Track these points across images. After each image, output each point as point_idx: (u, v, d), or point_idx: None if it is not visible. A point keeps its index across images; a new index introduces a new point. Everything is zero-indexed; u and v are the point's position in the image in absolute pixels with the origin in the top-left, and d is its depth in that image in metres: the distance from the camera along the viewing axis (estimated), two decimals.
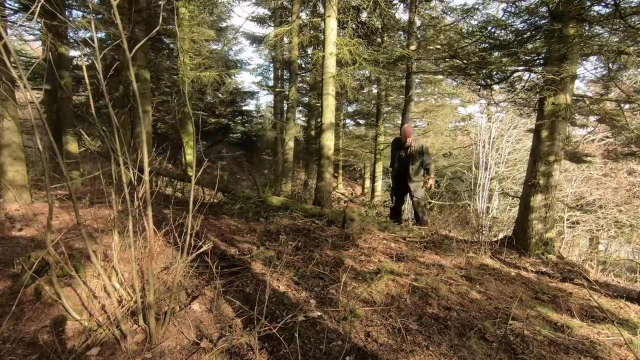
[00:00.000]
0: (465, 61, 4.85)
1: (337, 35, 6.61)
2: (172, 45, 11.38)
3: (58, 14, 2.40)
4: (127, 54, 1.59)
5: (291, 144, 10.74)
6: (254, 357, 1.68)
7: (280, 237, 3.60)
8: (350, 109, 17.76)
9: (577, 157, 6.51)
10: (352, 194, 12.38)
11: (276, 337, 1.77)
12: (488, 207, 11.31)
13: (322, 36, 6.97)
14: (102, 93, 1.62)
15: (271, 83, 18.02)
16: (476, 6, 4.50)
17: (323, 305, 2.22)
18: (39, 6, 1.56)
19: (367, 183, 16.81)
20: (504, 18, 4.52)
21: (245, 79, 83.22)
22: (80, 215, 1.72)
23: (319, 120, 12.53)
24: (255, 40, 15.71)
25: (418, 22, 9.16)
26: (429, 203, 6.98)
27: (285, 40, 11.55)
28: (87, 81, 1.91)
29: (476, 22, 4.84)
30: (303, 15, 10.60)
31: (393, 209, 5.38)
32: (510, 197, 11.51)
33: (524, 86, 4.83)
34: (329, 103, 6.38)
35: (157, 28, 2.10)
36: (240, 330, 1.91)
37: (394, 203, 5.37)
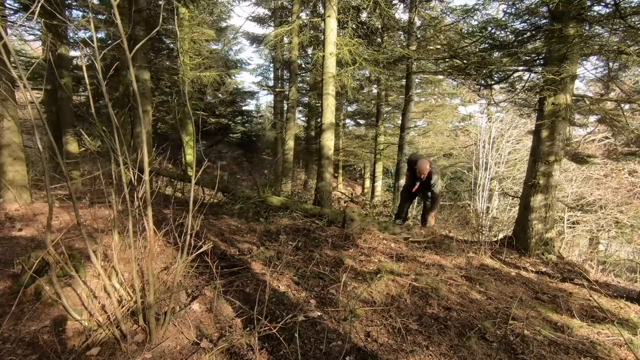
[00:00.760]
0: (465, 61, 4.84)
1: (337, 36, 6.61)
2: (172, 45, 11.38)
3: (58, 14, 2.40)
4: (127, 54, 1.59)
5: (291, 144, 10.74)
6: (254, 357, 1.68)
7: (280, 237, 3.60)
8: (350, 109, 17.76)
9: (577, 157, 6.51)
10: (352, 194, 12.37)
11: (276, 337, 1.77)
12: (488, 207, 11.31)
13: (322, 36, 6.98)
14: (102, 93, 1.62)
15: (271, 83, 18.04)
16: (476, 6, 4.50)
17: (323, 305, 2.22)
18: (39, 6, 1.56)
19: (367, 183, 16.81)
20: (504, 18, 4.52)
21: (245, 79, 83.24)
22: (80, 215, 1.72)
23: (319, 120, 12.54)
24: (255, 40, 15.71)
25: (418, 22, 9.16)
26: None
27: (285, 40, 11.55)
28: (87, 81, 1.91)
29: (476, 23, 4.84)
30: (303, 15, 10.60)
31: (399, 207, 5.34)
32: (510, 197, 11.51)
33: (524, 86, 4.83)
34: (329, 103, 6.38)
35: (157, 28, 2.10)
36: (240, 330, 1.91)
37: (401, 202, 5.33)
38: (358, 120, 18.77)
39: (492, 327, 2.06)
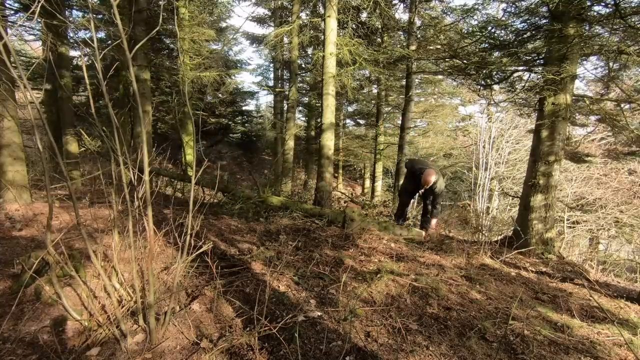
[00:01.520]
0: (465, 61, 4.84)
1: (337, 36, 6.61)
2: (172, 45, 11.39)
3: (58, 14, 2.40)
4: (127, 54, 1.59)
5: (291, 144, 10.74)
6: (254, 357, 1.68)
7: (280, 237, 3.60)
8: (350, 109, 17.76)
9: (577, 157, 6.52)
10: (352, 194, 12.36)
11: (276, 337, 1.76)
12: (488, 207, 11.31)
13: (322, 36, 6.97)
14: (102, 93, 1.62)
15: (271, 83, 18.04)
16: (476, 6, 4.50)
17: (323, 305, 2.22)
18: (39, 6, 1.56)
19: (367, 183, 16.80)
20: (504, 18, 4.52)
21: (245, 79, 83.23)
22: (80, 215, 1.72)
23: (319, 120, 12.54)
24: (255, 40, 15.72)
25: (418, 22, 9.15)
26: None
27: (285, 40, 11.55)
28: (87, 81, 1.91)
29: (476, 22, 4.84)
30: (303, 15, 10.60)
31: (399, 207, 5.31)
32: (510, 197, 11.51)
33: (524, 86, 4.83)
34: (329, 103, 6.38)
35: (157, 28, 2.10)
36: (240, 330, 1.91)
37: (400, 202, 5.30)
38: (358, 120, 18.77)
39: (492, 327, 2.06)
